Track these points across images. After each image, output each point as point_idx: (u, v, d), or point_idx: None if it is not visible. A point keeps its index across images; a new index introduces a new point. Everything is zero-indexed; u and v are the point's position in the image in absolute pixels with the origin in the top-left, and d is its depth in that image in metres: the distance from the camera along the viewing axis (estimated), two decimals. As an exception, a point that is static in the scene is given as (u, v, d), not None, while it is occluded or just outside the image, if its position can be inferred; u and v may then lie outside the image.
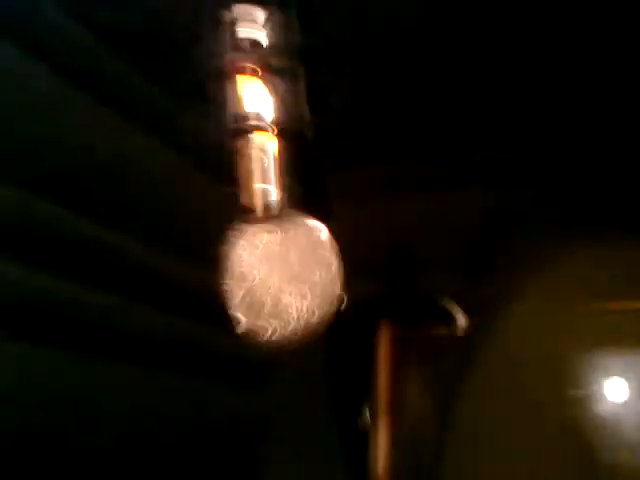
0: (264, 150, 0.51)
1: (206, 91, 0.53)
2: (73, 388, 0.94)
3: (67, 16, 0.92)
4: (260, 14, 0.52)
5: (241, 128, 0.51)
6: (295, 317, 0.51)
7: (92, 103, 0.99)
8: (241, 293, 0.52)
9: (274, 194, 0.51)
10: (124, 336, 1.02)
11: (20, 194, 0.87)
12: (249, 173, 0.51)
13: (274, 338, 0.51)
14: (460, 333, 1.06)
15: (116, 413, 1.01)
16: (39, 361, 0.90)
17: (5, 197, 0.85)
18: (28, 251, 0.87)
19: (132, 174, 1.06)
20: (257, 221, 0.51)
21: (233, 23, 0.52)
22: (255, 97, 0.51)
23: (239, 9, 0.51)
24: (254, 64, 0.51)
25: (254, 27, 0.51)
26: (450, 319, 1.08)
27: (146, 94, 1.09)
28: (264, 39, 0.51)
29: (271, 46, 0.51)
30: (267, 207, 0.51)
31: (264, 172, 0.51)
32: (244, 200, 0.51)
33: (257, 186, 0.51)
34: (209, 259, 1.30)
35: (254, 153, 0.51)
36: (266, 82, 0.51)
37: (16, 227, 0.86)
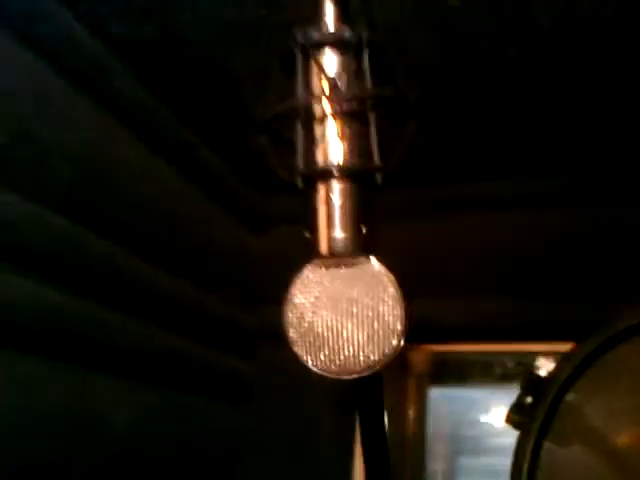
0: (337, 196, 0.51)
1: (273, 130, 0.53)
2: (72, 400, 0.94)
3: (87, 30, 0.92)
4: (335, 58, 0.52)
5: (314, 172, 0.52)
6: (355, 353, 0.52)
7: (114, 123, 0.99)
8: (300, 334, 0.53)
9: (346, 239, 0.51)
10: (122, 352, 1.02)
11: (26, 204, 0.86)
12: (321, 219, 0.52)
13: (336, 373, 0.52)
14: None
15: (114, 427, 1.00)
16: (41, 374, 0.89)
17: (14, 209, 0.84)
18: (37, 265, 0.87)
19: (135, 187, 1.06)
20: (325, 265, 0.52)
21: (307, 64, 0.52)
22: (329, 141, 0.51)
23: (314, 52, 0.52)
24: (329, 108, 0.51)
25: (331, 70, 0.52)
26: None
27: (157, 113, 1.09)
28: (340, 83, 0.51)
29: (346, 91, 0.51)
30: (337, 253, 0.52)
31: (336, 217, 0.51)
32: (316, 245, 0.52)
33: (329, 233, 0.51)
34: (214, 282, 1.30)
35: (327, 198, 0.51)
36: (340, 126, 0.51)
37: (26, 239, 0.85)
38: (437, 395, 1.35)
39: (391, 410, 1.27)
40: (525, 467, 0.89)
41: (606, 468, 0.89)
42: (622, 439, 0.90)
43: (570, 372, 0.92)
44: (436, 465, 1.35)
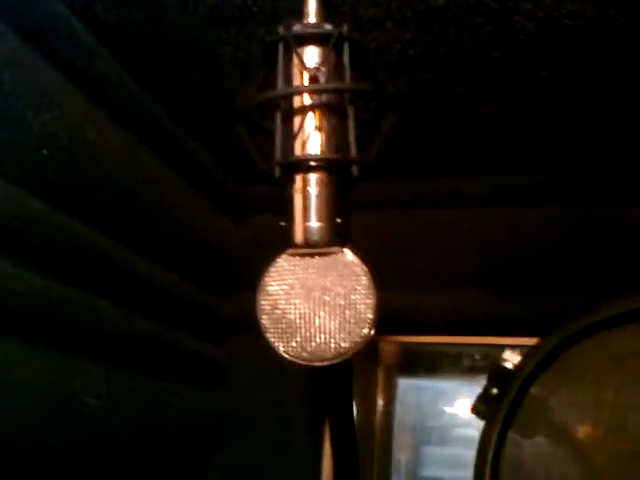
0: (314, 187, 0.52)
1: (252, 124, 0.54)
2: (48, 383, 0.94)
3: (73, 13, 0.92)
4: (316, 52, 0.53)
5: (292, 163, 0.53)
6: (327, 340, 0.53)
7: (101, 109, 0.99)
8: (273, 321, 0.54)
9: (321, 229, 0.53)
10: (99, 335, 1.03)
11: (12, 190, 0.86)
12: (297, 209, 0.53)
13: (307, 360, 0.54)
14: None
15: (88, 410, 1.01)
16: (19, 356, 0.89)
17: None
18: (19, 248, 0.87)
19: (116, 173, 1.06)
20: (299, 254, 0.53)
21: (289, 56, 0.54)
22: (308, 132, 0.52)
23: (296, 45, 0.53)
24: (308, 100, 0.52)
25: (311, 63, 0.53)
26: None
27: (143, 102, 1.10)
28: (320, 76, 0.52)
29: (326, 83, 0.52)
30: (312, 242, 0.53)
31: (312, 207, 0.53)
32: (291, 234, 0.53)
33: (305, 223, 0.53)
34: (192, 269, 1.31)
35: (303, 189, 0.53)
36: (319, 118, 0.52)
37: (5, 222, 0.85)
38: (405, 386, 1.37)
39: (359, 400, 1.29)
40: (489, 456, 0.92)
41: (570, 460, 0.92)
42: (586, 432, 0.93)
43: (535, 365, 0.95)
44: (401, 454, 1.37)
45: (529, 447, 0.94)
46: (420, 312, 1.26)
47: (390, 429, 1.35)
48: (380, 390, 1.34)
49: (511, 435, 0.95)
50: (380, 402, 1.34)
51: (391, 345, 1.34)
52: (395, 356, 1.35)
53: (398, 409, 1.35)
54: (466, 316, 1.23)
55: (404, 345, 1.35)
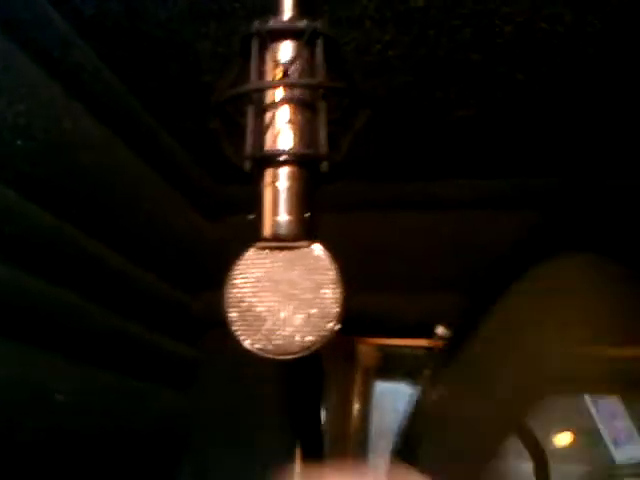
0: (283, 181, 0.52)
1: (225, 116, 0.54)
2: (16, 377, 0.93)
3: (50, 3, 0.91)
4: (290, 47, 0.53)
5: (262, 157, 0.53)
6: (292, 334, 0.53)
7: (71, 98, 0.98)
8: (240, 313, 0.54)
9: (289, 223, 0.52)
10: (70, 331, 1.02)
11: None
12: (267, 203, 0.53)
13: (272, 353, 0.54)
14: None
15: (58, 407, 1.00)
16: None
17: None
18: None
19: (92, 166, 1.05)
20: (268, 247, 0.53)
21: (263, 51, 0.53)
22: (279, 126, 0.52)
23: (270, 40, 0.53)
24: (281, 94, 0.52)
25: (284, 57, 0.53)
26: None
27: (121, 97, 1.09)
28: (292, 71, 0.52)
29: (298, 78, 0.52)
30: (280, 236, 0.53)
31: (281, 201, 0.53)
32: (260, 228, 0.53)
33: (274, 217, 0.53)
34: (166, 267, 1.29)
35: (273, 183, 0.52)
36: (290, 113, 0.52)
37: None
38: (383, 389, 1.37)
39: (336, 403, 1.28)
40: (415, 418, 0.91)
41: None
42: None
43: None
44: (377, 460, 1.36)
45: (457, 407, 0.94)
46: (398, 315, 1.26)
47: (366, 433, 1.34)
48: (357, 393, 1.34)
49: (438, 395, 0.96)
50: (356, 406, 1.33)
51: (369, 348, 1.34)
52: (373, 359, 1.35)
53: (374, 413, 1.35)
54: (444, 320, 1.23)
55: (382, 348, 1.35)
